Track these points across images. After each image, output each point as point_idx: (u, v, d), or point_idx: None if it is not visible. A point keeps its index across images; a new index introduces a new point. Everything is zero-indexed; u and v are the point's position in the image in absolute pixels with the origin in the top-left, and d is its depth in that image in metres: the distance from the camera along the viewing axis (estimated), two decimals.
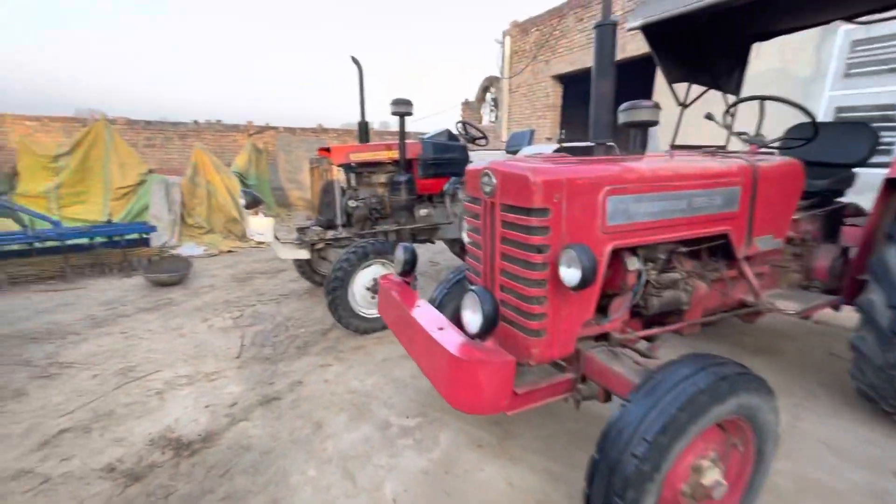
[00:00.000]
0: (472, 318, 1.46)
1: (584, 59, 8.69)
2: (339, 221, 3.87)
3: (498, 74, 12.10)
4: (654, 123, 2.05)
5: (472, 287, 1.51)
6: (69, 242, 4.94)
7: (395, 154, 4.01)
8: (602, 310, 1.87)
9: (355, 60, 4.31)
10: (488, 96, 13.43)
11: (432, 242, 4.58)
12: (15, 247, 4.71)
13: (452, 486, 1.94)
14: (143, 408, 2.53)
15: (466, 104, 14.38)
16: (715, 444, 1.45)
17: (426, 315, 1.79)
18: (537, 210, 1.58)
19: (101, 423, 2.38)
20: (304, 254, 3.83)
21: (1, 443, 2.21)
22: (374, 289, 3.48)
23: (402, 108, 3.73)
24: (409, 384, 2.79)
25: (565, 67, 9.26)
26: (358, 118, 4.53)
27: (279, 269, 5.57)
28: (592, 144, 3.50)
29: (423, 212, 4.22)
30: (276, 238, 3.64)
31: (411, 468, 2.05)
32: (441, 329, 1.61)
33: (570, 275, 1.49)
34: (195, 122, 11.95)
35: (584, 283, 1.44)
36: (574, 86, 9.84)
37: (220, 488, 1.93)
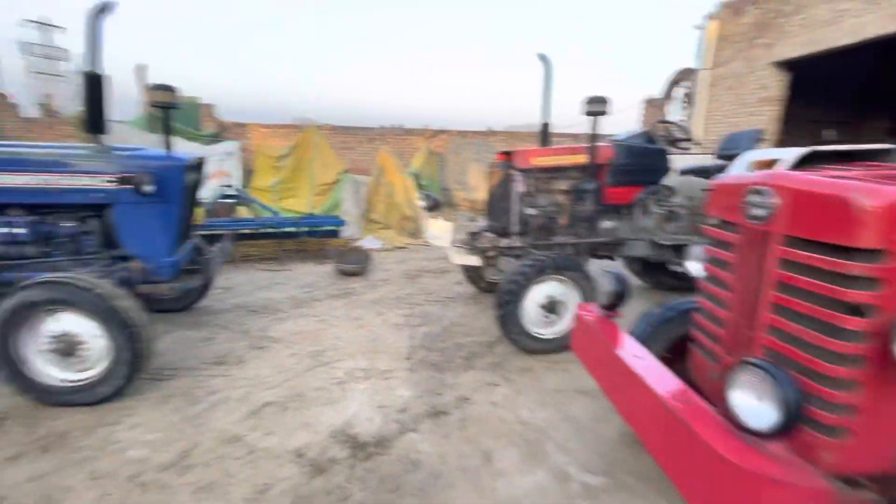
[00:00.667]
0: (759, 407, 1.01)
1: (831, 36, 6.79)
2: (514, 230, 3.65)
3: (693, 66, 10.46)
4: None
5: (754, 361, 1.05)
6: (283, 230, 5.86)
7: (581, 158, 3.60)
8: None
9: (544, 58, 4.02)
10: (679, 92, 11.79)
11: (612, 259, 4.03)
12: (246, 230, 5.77)
13: None
14: (328, 395, 2.70)
15: (650, 102, 12.88)
16: None
17: (649, 369, 1.39)
18: (865, 252, 1.03)
19: (295, 404, 2.60)
20: (475, 260, 3.72)
21: (224, 405, 2.57)
22: (549, 307, 3.15)
23: (597, 107, 3.30)
24: (590, 429, 2.38)
25: (797, 50, 7.39)
26: (538, 119, 4.24)
27: (444, 269, 5.67)
28: (876, 148, 2.52)
29: (607, 224, 3.72)
30: (453, 244, 3.60)
31: None
32: (685, 400, 1.19)
33: None
34: (381, 126, 13.32)
35: None
36: (804, 73, 7.82)
37: (388, 498, 1.86)
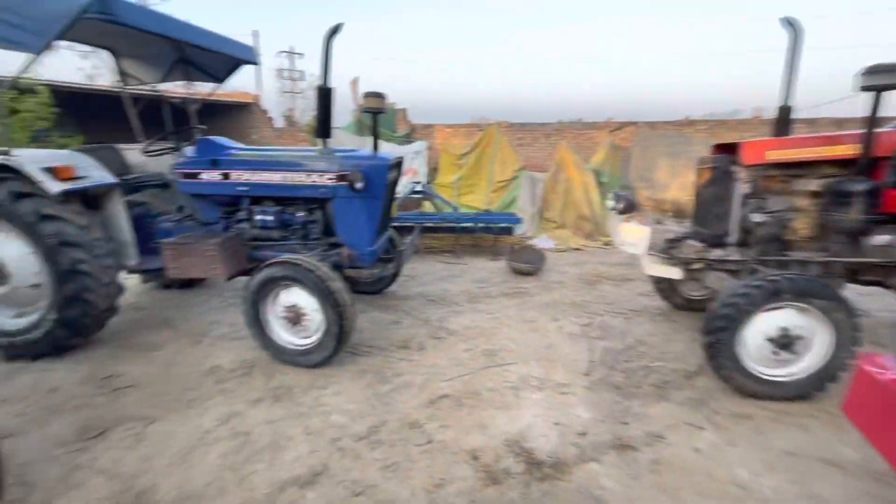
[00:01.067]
0: None
1: None
2: (731, 239, 2.98)
3: None
4: None
5: None
6: (462, 225, 6.10)
7: (845, 150, 2.70)
8: None
9: (790, 22, 3.15)
10: None
11: (885, 287, 2.95)
12: (430, 224, 6.20)
13: None
14: (501, 399, 2.63)
15: None
16: None
17: None
18: None
19: (470, 401, 2.61)
20: (675, 273, 3.18)
21: (407, 389, 2.75)
22: (781, 342, 2.46)
23: (883, 80, 2.41)
24: None
25: None
26: (777, 103, 3.35)
27: (627, 276, 5.09)
28: None
29: (881, 239, 2.72)
30: (648, 252, 3.14)
31: None
32: None
33: None
34: (559, 121, 12.86)
35: None
36: None
37: None
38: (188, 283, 4.70)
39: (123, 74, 4.30)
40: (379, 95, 3.32)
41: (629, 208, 3.15)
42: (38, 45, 2.60)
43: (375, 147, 3.52)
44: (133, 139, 4.20)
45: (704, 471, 2.04)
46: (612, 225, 3.44)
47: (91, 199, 3.18)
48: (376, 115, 3.51)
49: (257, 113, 17.20)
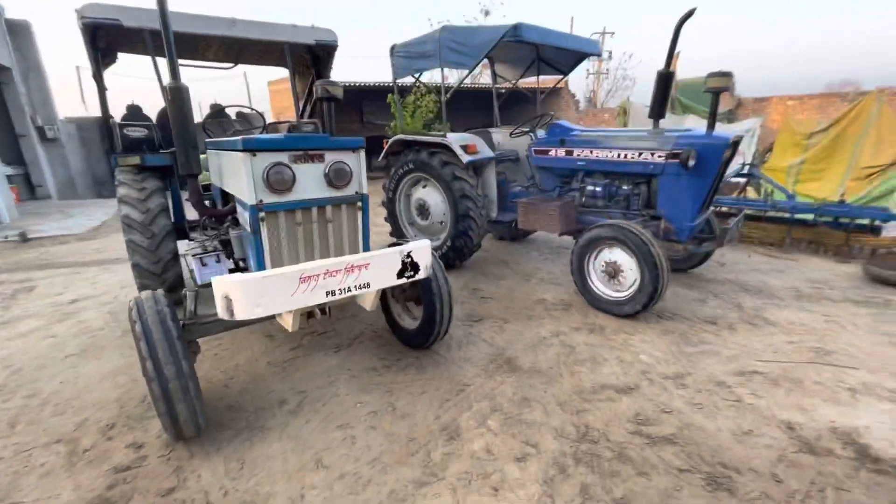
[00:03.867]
0: None
1: None
2: None
3: None
4: None
5: None
6: (796, 216, 5.24)
7: None
8: None
9: None
10: None
11: None
12: (749, 211, 5.57)
13: None
14: (831, 394, 2.47)
15: None
16: None
17: None
18: None
19: (788, 385, 2.57)
20: None
21: (714, 355, 2.91)
22: None
23: None
24: None
25: None
26: None
27: None
28: None
29: None
30: None
31: None
32: None
33: None
34: None
35: None
36: None
37: None
38: (516, 237, 6.02)
39: (495, 75, 5.76)
40: (726, 74, 3.37)
41: None
42: (472, 63, 3.96)
43: (712, 126, 3.59)
44: (490, 124, 5.64)
45: None
46: None
47: (477, 167, 4.60)
48: (717, 94, 3.55)
49: (565, 95, 18.48)
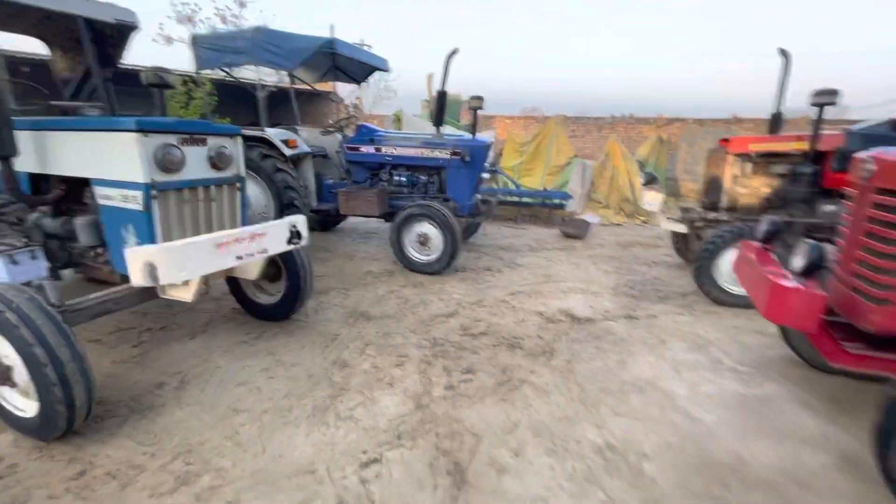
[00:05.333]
0: (799, 260, 1.94)
1: None
2: (722, 204, 4.32)
3: None
4: None
5: (808, 241, 1.96)
6: (524, 199, 7.61)
7: (803, 145, 3.97)
8: None
9: (783, 53, 4.39)
10: None
11: (832, 243, 4.18)
12: (500, 196, 7.74)
13: (763, 412, 2.41)
14: (556, 295, 4.18)
15: None
16: None
17: (773, 266, 2.30)
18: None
19: (536, 295, 4.17)
20: (681, 227, 4.56)
21: (495, 288, 4.34)
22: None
23: (824, 99, 3.68)
24: (754, 349, 3.17)
25: None
26: (771, 110, 4.60)
27: (656, 245, 6.41)
28: None
29: (828, 208, 3.98)
30: (661, 211, 4.53)
31: (730, 389, 2.63)
32: (777, 272, 2.14)
33: None
34: (612, 116, 13.91)
35: None
36: None
37: (591, 342, 3.21)
38: (327, 227, 6.56)
39: (293, 77, 6.14)
40: (480, 98, 4.89)
41: (651, 181, 4.54)
42: (290, 66, 4.38)
43: (474, 133, 5.10)
44: (291, 122, 6.03)
45: (677, 328, 3.49)
46: (639, 194, 4.84)
47: (295, 161, 4.99)
48: (476, 111, 5.08)
49: (332, 100, 19.35)
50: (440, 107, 5.08)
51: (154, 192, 2.17)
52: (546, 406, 2.44)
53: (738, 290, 3.90)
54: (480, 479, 1.91)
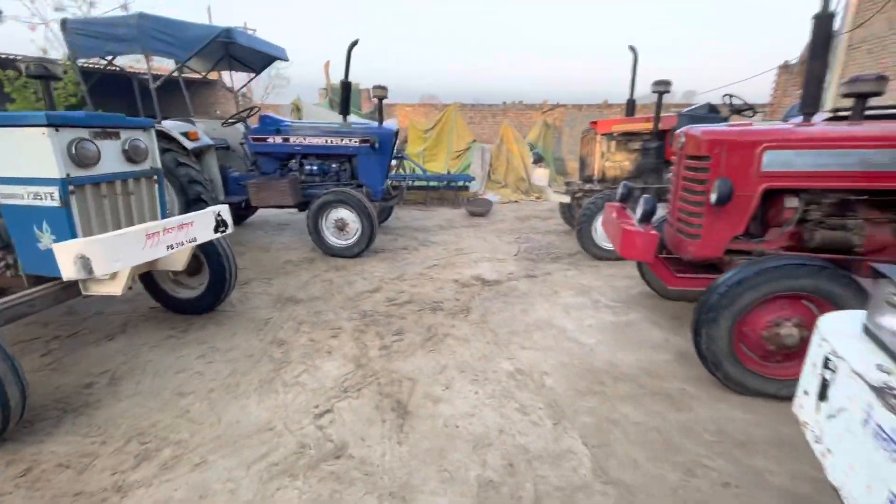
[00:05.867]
0: (638, 211, 2.64)
1: None
2: (595, 177, 5.17)
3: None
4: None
5: (645, 195, 2.66)
6: (430, 184, 8.06)
7: (649, 126, 4.93)
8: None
9: (633, 49, 5.33)
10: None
11: None
12: (409, 181, 8.09)
13: (628, 332, 3.15)
14: (467, 265, 4.69)
15: (785, 68, 12.25)
16: (798, 314, 2.18)
17: (626, 219, 3.00)
18: (704, 158, 2.55)
19: (450, 266, 4.65)
20: (566, 199, 5.35)
21: (412, 264, 4.73)
22: None
23: (661, 88, 4.62)
24: (623, 290, 3.98)
25: None
26: (627, 97, 5.57)
27: (549, 217, 7.31)
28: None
29: (669, 175, 5.00)
30: (549, 186, 5.28)
31: (606, 320, 3.35)
32: (627, 222, 2.82)
33: (713, 197, 2.45)
34: (504, 102, 14.95)
35: (720, 201, 2.38)
36: None
37: (500, 298, 3.77)
38: (236, 221, 6.35)
39: (184, 66, 5.81)
40: (384, 87, 5.17)
41: (539, 160, 5.26)
42: (184, 56, 4.22)
43: (381, 121, 5.37)
44: (183, 114, 5.74)
45: (567, 281, 4.22)
46: (531, 171, 5.55)
47: (197, 154, 4.82)
48: (381, 100, 5.34)
49: (221, 89, 17.91)
50: (345, 96, 5.25)
51: (71, 188, 2.16)
52: (468, 350, 2.91)
53: (611, 245, 4.76)
54: (420, 409, 2.31)
